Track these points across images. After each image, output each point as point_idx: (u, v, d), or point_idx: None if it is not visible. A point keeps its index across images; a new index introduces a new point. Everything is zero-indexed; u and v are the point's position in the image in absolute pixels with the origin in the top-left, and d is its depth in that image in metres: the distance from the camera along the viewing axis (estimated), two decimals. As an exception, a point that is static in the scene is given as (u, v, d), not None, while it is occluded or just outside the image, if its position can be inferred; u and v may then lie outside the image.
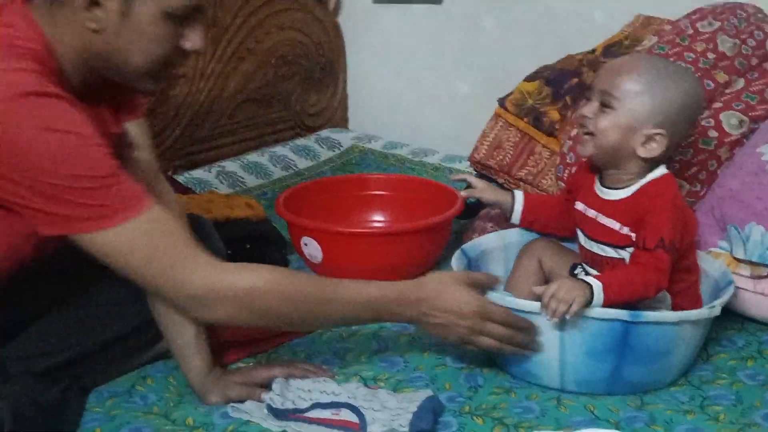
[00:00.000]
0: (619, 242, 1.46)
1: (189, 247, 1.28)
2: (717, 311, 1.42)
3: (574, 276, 1.52)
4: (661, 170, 1.47)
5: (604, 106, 1.45)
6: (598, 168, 1.52)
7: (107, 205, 1.21)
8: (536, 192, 1.94)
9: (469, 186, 1.71)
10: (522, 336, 1.40)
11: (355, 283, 1.40)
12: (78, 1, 1.21)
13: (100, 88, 1.31)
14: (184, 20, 1.26)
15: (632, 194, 1.46)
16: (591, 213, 1.50)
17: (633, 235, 1.43)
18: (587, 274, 1.51)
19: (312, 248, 1.85)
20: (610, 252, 1.47)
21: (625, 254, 1.45)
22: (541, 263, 1.56)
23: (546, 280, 1.56)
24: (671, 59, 1.80)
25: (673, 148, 1.49)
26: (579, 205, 1.53)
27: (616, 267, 1.46)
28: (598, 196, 1.50)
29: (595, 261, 1.50)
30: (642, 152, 1.44)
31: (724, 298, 1.45)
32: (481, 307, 1.39)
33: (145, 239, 1.24)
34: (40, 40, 1.22)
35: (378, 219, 2.15)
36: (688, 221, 1.47)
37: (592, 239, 1.50)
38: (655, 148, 1.43)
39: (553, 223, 1.62)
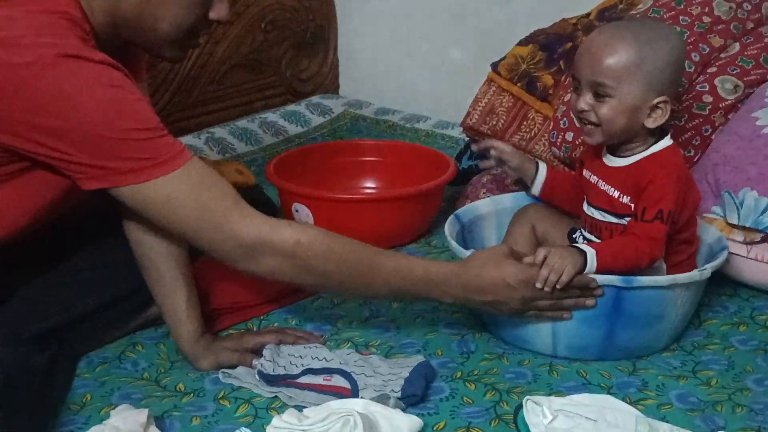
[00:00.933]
0: (617, 210, 1.45)
1: (236, 198, 1.29)
2: (707, 274, 1.41)
3: (573, 240, 1.51)
4: (666, 141, 1.44)
5: (599, 95, 1.39)
6: None
7: (155, 156, 1.22)
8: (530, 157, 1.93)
9: (487, 150, 1.64)
10: (571, 297, 1.37)
11: (403, 256, 1.42)
12: None
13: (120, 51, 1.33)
14: None
15: (634, 163, 1.44)
16: (593, 179, 1.49)
17: (632, 205, 1.42)
18: (585, 239, 1.50)
19: (303, 215, 1.84)
20: (609, 218, 1.46)
21: (626, 222, 1.44)
22: (535, 228, 1.55)
23: (539, 245, 1.55)
24: (666, 22, 1.78)
25: (674, 106, 1.47)
26: (585, 172, 1.52)
27: (615, 233, 1.45)
28: (603, 162, 1.48)
29: (595, 226, 1.49)
30: (650, 123, 1.41)
31: (715, 262, 1.44)
32: (528, 275, 1.36)
33: (193, 189, 1.25)
34: (76, 5, 1.25)
35: (369, 185, 2.14)
36: (690, 194, 1.45)
37: (592, 205, 1.49)
38: (661, 115, 1.41)
39: (572, 199, 1.59)
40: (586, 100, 1.41)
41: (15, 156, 1.23)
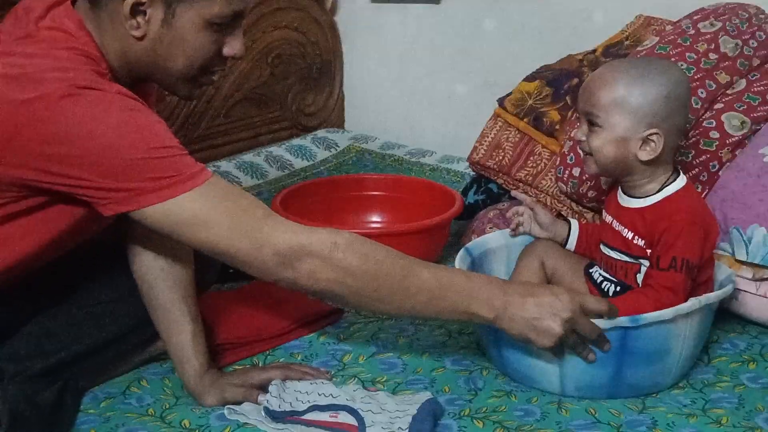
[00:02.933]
0: (632, 251, 1.45)
1: (265, 208, 1.28)
2: (705, 301, 1.39)
3: (590, 275, 1.51)
4: (679, 182, 1.45)
5: (592, 125, 1.44)
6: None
7: (177, 174, 1.21)
8: (535, 192, 1.93)
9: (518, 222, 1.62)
10: (602, 337, 1.33)
11: (442, 265, 1.38)
12: (122, 9, 1.25)
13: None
14: (225, 27, 1.30)
15: (648, 206, 1.44)
16: (608, 218, 1.50)
17: (648, 250, 1.42)
18: (601, 276, 1.50)
19: (309, 249, 1.83)
20: (624, 258, 1.46)
21: (641, 263, 1.44)
22: (544, 264, 1.55)
23: (547, 281, 1.54)
24: (672, 59, 1.79)
25: (675, 140, 1.46)
26: (604, 213, 1.53)
27: (629, 273, 1.45)
28: (618, 202, 1.49)
29: (610, 265, 1.49)
30: (643, 155, 1.42)
31: (718, 292, 1.43)
32: (574, 294, 1.32)
33: (221, 203, 1.24)
34: (93, 44, 1.27)
35: (375, 220, 2.14)
36: (708, 235, 1.44)
37: (607, 245, 1.49)
38: (654, 148, 1.42)
39: None
40: (583, 130, 1.46)
41: (33, 191, 1.24)
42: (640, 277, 1.45)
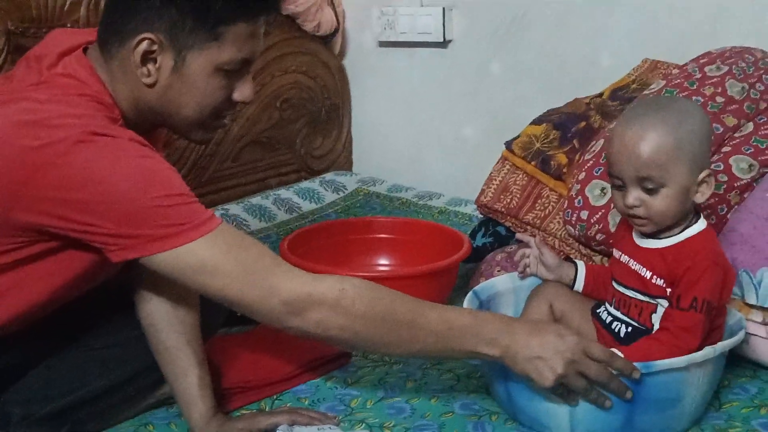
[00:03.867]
0: (650, 290, 1.44)
1: (274, 257, 1.28)
2: (720, 350, 1.38)
3: (597, 315, 1.50)
4: (700, 224, 1.44)
5: (650, 190, 1.39)
6: None
7: (187, 221, 1.22)
8: (543, 235, 1.92)
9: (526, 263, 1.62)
10: (617, 382, 1.32)
11: (447, 306, 1.38)
12: (133, 57, 1.26)
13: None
14: (235, 73, 1.31)
15: (668, 247, 1.43)
16: (624, 258, 1.49)
17: (668, 290, 1.41)
18: (610, 315, 1.49)
19: (317, 292, 1.83)
20: (640, 297, 1.46)
21: (657, 302, 1.43)
22: (552, 307, 1.54)
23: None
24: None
25: None
26: (615, 252, 1.52)
27: (645, 312, 1.44)
28: (634, 242, 1.48)
29: (624, 303, 1.48)
30: (700, 198, 1.41)
31: (732, 339, 1.42)
32: (581, 338, 1.33)
33: (230, 250, 1.24)
34: (105, 91, 1.28)
35: (383, 263, 2.14)
36: (727, 281, 1.43)
37: (621, 284, 1.49)
38: (707, 188, 1.41)
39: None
40: (635, 196, 1.40)
41: (45, 235, 1.24)
42: (655, 317, 1.44)
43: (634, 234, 1.49)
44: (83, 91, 1.25)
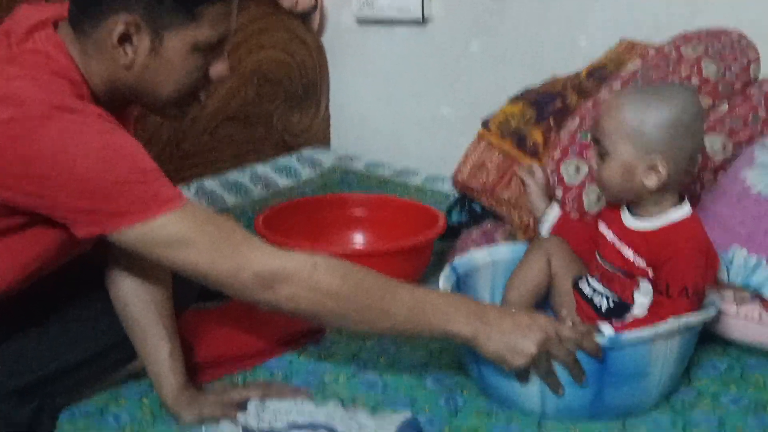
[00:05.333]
0: (631, 269, 1.46)
1: (244, 232, 1.28)
2: (685, 323, 1.39)
3: (578, 288, 1.52)
4: (685, 210, 1.46)
5: (601, 156, 1.46)
6: None
7: (153, 197, 1.21)
8: (519, 213, 1.92)
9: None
10: (578, 368, 1.34)
11: (418, 285, 1.38)
12: (109, 38, 1.24)
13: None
14: (211, 50, 1.30)
15: (655, 231, 1.45)
16: (609, 236, 1.51)
17: (649, 270, 1.44)
18: (591, 287, 1.52)
19: (291, 267, 1.83)
20: (621, 274, 1.48)
21: (638, 280, 1.46)
22: (550, 263, 1.55)
23: (549, 281, 1.56)
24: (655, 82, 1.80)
25: (682, 168, 1.46)
26: (601, 226, 1.54)
27: (627, 289, 1.47)
28: (621, 221, 1.50)
29: (606, 277, 1.51)
30: (649, 182, 1.42)
31: (697, 314, 1.43)
32: (552, 319, 1.36)
33: (199, 226, 1.24)
34: (74, 68, 1.26)
35: (359, 240, 2.13)
36: (711, 266, 1.46)
37: (605, 260, 1.51)
38: (661, 175, 1.42)
39: (580, 247, 1.60)
40: (595, 158, 1.48)
41: (11, 211, 1.23)
42: (637, 295, 1.47)
43: (621, 211, 1.50)
44: (52, 67, 1.23)
